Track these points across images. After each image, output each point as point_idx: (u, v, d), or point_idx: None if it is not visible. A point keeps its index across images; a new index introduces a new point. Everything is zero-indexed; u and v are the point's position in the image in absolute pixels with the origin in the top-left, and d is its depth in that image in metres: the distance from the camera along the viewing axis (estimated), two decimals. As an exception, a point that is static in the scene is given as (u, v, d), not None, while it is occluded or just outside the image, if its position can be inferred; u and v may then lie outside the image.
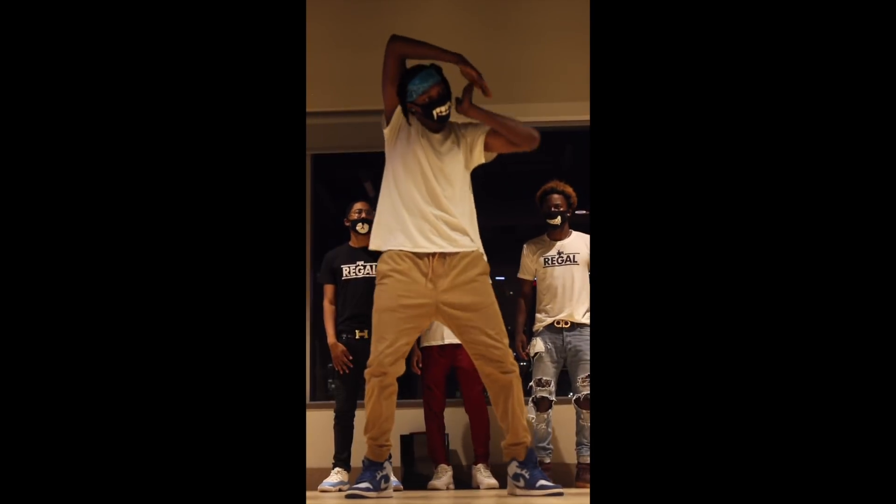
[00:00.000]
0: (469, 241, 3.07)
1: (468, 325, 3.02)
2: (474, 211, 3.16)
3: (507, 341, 3.06)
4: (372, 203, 4.34)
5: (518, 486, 3.14)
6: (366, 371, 3.02)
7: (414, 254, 3.02)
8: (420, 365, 4.23)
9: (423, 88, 3.09)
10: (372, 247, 3.14)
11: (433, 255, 3.02)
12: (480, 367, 3.07)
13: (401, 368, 3.02)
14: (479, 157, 3.19)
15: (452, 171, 3.10)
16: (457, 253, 3.04)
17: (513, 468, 3.16)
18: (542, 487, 3.07)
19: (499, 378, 3.03)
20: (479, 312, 3.01)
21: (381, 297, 3.05)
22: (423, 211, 3.04)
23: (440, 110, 3.09)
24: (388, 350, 2.96)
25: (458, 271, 3.03)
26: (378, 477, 3.08)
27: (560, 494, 3.05)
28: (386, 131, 3.19)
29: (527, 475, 3.11)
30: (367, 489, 3.02)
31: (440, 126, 3.17)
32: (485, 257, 3.12)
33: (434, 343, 4.19)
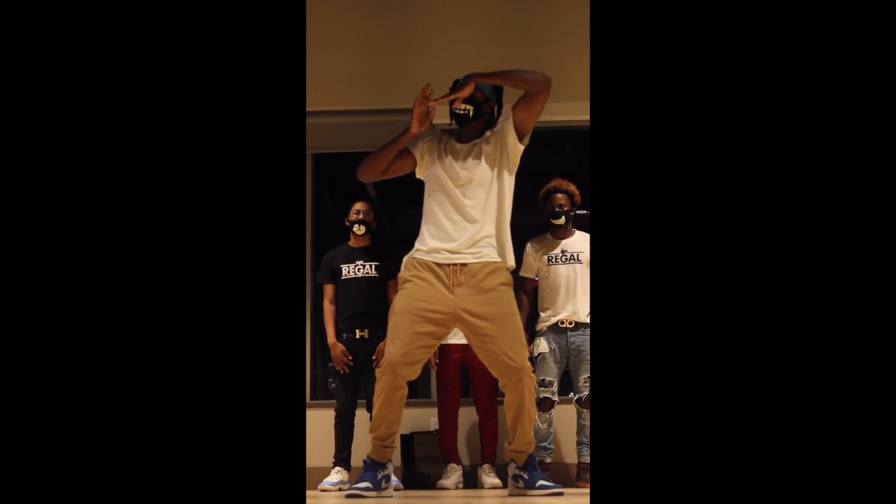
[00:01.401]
0: (493, 251, 3.05)
1: (486, 335, 3.00)
2: (506, 221, 3.12)
3: (526, 353, 3.03)
4: (372, 203, 4.35)
5: (518, 487, 3.16)
6: (377, 370, 3.02)
7: (435, 263, 3.03)
8: (437, 362, 4.23)
9: (460, 83, 3.07)
10: (405, 263, 3.15)
11: (454, 265, 3.02)
12: (497, 376, 3.06)
13: (413, 372, 3.00)
14: (516, 144, 3.11)
15: (480, 182, 3.07)
16: (478, 263, 3.03)
17: (512, 469, 3.18)
18: (542, 487, 3.08)
19: (514, 390, 3.02)
20: (497, 322, 2.99)
21: (398, 301, 3.07)
22: (444, 225, 3.05)
23: (457, 106, 3.06)
24: (399, 351, 2.96)
25: (478, 279, 3.02)
26: (379, 477, 3.08)
27: (560, 494, 3.05)
28: (419, 174, 3.19)
29: (526, 476, 3.13)
30: (367, 489, 3.02)
31: (464, 134, 3.15)
32: (509, 269, 3.10)
33: (451, 341, 4.19)
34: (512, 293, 3.11)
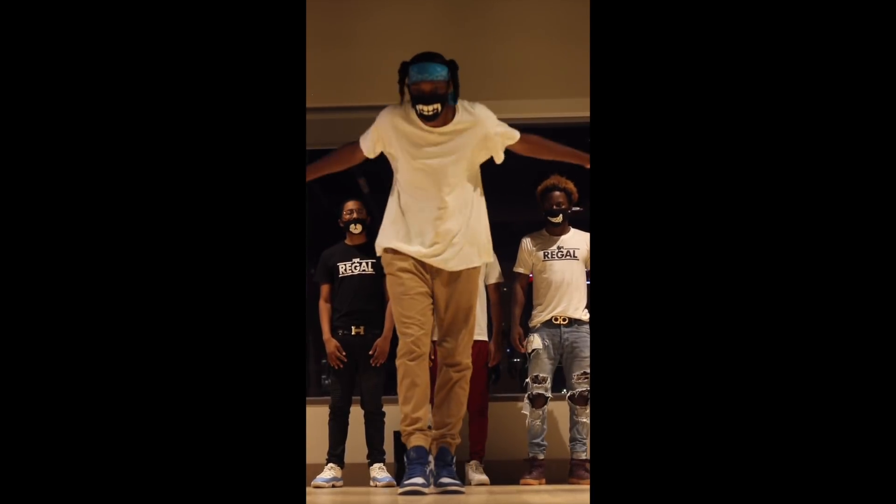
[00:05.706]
0: (470, 254, 3.04)
1: (440, 311, 3.04)
2: (483, 214, 3.10)
3: (461, 338, 3.05)
4: (364, 200, 4.34)
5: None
6: (401, 360, 2.99)
7: (412, 257, 3.02)
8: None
9: (416, 80, 2.89)
10: (378, 251, 3.13)
11: (429, 265, 3.04)
12: (439, 356, 3.11)
13: (429, 344, 3.05)
14: (498, 155, 3.13)
15: (461, 179, 3.04)
16: (454, 270, 3.04)
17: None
18: (441, 485, 3.00)
19: (444, 370, 3.07)
20: (455, 312, 3.03)
21: (395, 287, 3.04)
22: (422, 225, 3.01)
23: (422, 108, 2.88)
24: (420, 332, 2.97)
25: (453, 275, 3.05)
26: (427, 471, 3.00)
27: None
28: (372, 154, 3.14)
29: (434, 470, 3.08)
30: (423, 485, 2.90)
31: (435, 123, 3.02)
32: (484, 262, 3.14)
33: None
34: (477, 279, 3.12)
